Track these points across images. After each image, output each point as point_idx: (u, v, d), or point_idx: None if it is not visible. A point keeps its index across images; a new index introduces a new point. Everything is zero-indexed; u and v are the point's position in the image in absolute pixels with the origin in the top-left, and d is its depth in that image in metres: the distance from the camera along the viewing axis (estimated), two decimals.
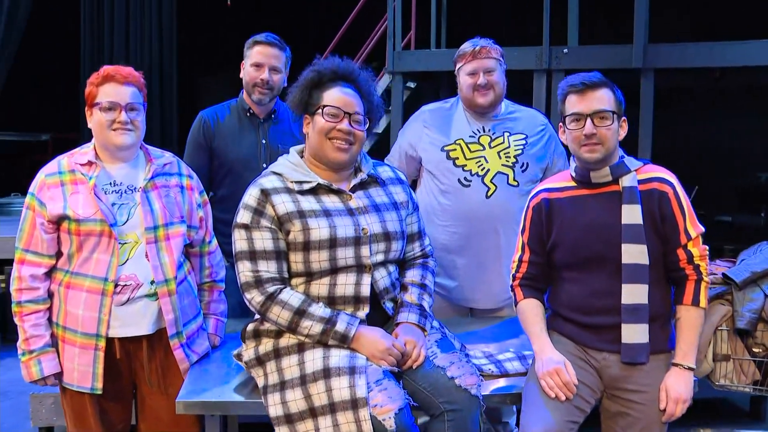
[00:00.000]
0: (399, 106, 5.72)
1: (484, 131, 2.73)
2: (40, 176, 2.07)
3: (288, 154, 2.06)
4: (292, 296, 1.88)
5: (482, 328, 2.63)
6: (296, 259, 1.90)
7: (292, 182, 1.94)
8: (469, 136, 2.72)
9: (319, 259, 1.88)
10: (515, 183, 2.68)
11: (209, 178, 2.78)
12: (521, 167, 2.70)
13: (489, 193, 2.66)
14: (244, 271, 1.90)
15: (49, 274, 2.06)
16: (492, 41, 2.73)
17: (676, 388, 1.91)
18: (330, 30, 6.64)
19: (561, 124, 2.06)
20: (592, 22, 5.75)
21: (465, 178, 2.67)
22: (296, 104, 2.00)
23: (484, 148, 2.70)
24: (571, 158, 2.10)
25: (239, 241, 1.91)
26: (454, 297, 2.81)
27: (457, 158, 2.69)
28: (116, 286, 2.01)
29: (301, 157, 2.03)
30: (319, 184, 1.94)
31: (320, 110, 1.94)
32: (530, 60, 5.05)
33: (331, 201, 1.94)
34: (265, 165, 2.73)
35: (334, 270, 1.90)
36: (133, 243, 2.05)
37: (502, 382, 2.09)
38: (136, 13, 7.23)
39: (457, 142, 2.71)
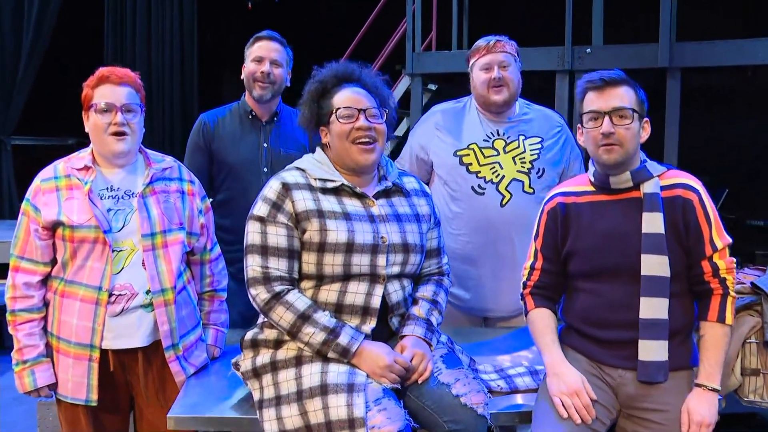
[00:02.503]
0: (418, 109, 5.62)
1: (498, 135, 2.63)
2: (36, 182, 2.02)
3: (301, 155, 2.00)
4: (299, 299, 1.80)
5: (495, 338, 2.53)
6: (309, 260, 1.83)
7: (315, 179, 1.88)
8: (483, 140, 2.61)
9: (333, 262, 1.81)
10: (531, 190, 2.57)
11: (209, 181, 2.71)
12: (537, 173, 2.59)
13: (504, 202, 2.56)
14: (253, 265, 1.83)
15: (45, 282, 2.01)
16: (507, 37, 2.63)
17: (700, 411, 1.78)
18: (350, 32, 6.57)
19: (579, 125, 1.95)
20: (616, 21, 5.58)
21: (479, 186, 2.57)
22: (308, 120, 1.96)
23: (499, 153, 2.59)
24: (590, 161, 1.99)
25: (252, 233, 1.84)
26: (467, 307, 2.71)
27: (471, 164, 2.58)
28: (110, 295, 1.95)
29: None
30: (343, 184, 1.88)
31: (333, 116, 1.88)
32: (552, 60, 4.92)
33: (352, 204, 1.87)
34: (266, 169, 2.68)
35: (346, 276, 1.83)
36: (129, 250, 1.99)
37: (511, 400, 1.98)
38: (158, 15, 7.27)
39: (470, 146, 2.61)
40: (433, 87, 6.18)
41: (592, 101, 1.88)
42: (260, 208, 1.85)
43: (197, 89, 7.40)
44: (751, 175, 6.62)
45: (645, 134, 1.92)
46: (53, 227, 1.96)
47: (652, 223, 1.83)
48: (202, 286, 2.23)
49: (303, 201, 1.83)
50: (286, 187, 1.84)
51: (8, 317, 2.00)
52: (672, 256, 1.83)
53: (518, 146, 2.61)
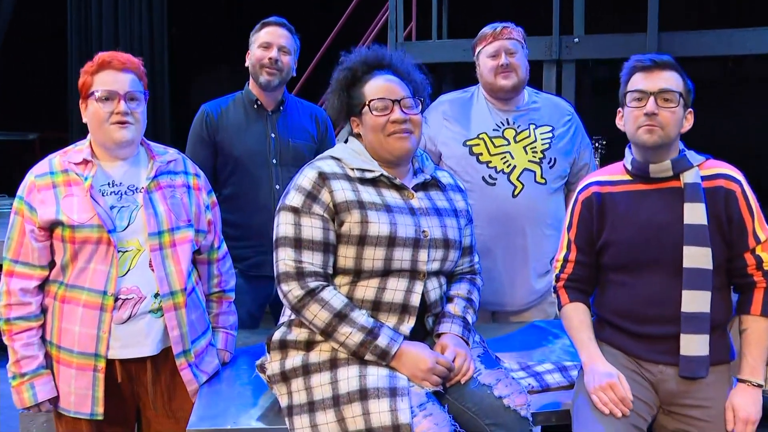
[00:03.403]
0: None
1: (508, 124, 2.55)
2: (30, 177, 1.85)
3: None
4: (335, 297, 1.68)
5: (508, 334, 2.45)
6: (347, 254, 1.71)
7: (352, 169, 1.76)
8: (493, 130, 2.53)
9: (374, 257, 1.69)
10: (543, 180, 2.50)
11: (213, 176, 2.55)
12: (549, 163, 2.52)
13: (516, 192, 2.48)
14: (285, 259, 1.69)
15: (42, 287, 1.85)
16: (513, 23, 2.55)
17: (745, 408, 1.72)
18: (328, 23, 6.43)
19: (620, 108, 1.87)
20: (600, 10, 5.55)
21: (490, 176, 2.49)
22: (337, 110, 1.84)
23: (509, 143, 2.52)
24: (627, 149, 1.91)
25: (284, 225, 1.71)
26: None
27: (481, 154, 2.50)
28: (116, 300, 1.80)
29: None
30: (382, 175, 1.77)
31: (366, 107, 1.77)
32: (539, 50, 4.84)
33: (392, 196, 1.77)
34: (275, 161, 2.54)
35: (386, 272, 1.72)
36: (135, 251, 1.83)
37: (543, 399, 1.90)
38: (125, 7, 7.00)
39: (480, 136, 2.52)
40: None
41: (639, 81, 1.81)
42: (294, 198, 1.72)
43: (168, 84, 7.16)
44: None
45: (687, 125, 1.85)
46: (51, 227, 1.80)
47: (695, 213, 1.76)
48: (210, 287, 2.09)
49: (342, 191, 1.71)
50: (323, 177, 1.72)
51: (2, 326, 1.82)
52: (713, 248, 1.77)
53: (529, 135, 2.54)
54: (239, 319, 2.24)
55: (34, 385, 1.81)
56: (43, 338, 1.85)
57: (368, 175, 1.76)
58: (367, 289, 1.72)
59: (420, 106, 1.81)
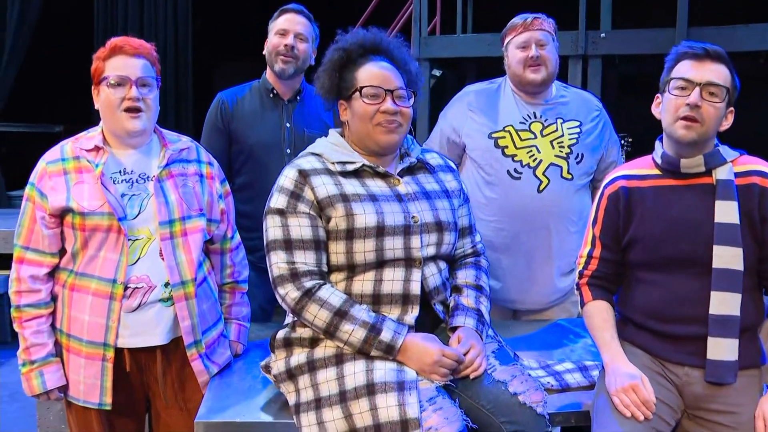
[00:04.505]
0: (425, 94, 5.45)
1: (535, 117, 2.47)
2: (41, 164, 1.83)
3: (326, 136, 1.84)
4: (333, 294, 1.64)
5: (530, 333, 2.38)
6: (338, 250, 1.67)
7: (333, 163, 1.72)
8: (520, 123, 2.46)
9: (365, 249, 1.65)
10: (569, 176, 2.41)
11: (228, 164, 2.52)
12: (576, 158, 2.43)
13: (541, 187, 2.40)
14: (278, 262, 1.66)
15: (52, 274, 1.83)
16: (545, 15, 2.47)
17: None
18: (352, 17, 6.40)
19: (659, 94, 1.79)
20: (628, 4, 5.43)
21: (515, 170, 2.41)
22: (327, 90, 1.77)
23: (536, 137, 2.44)
24: (657, 142, 1.83)
25: (272, 228, 1.68)
26: (496, 298, 2.54)
27: (507, 147, 2.42)
28: (126, 288, 1.77)
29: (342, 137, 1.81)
30: (364, 165, 1.72)
31: (357, 93, 1.71)
32: (565, 45, 4.74)
33: (377, 185, 1.72)
34: (289, 150, 2.50)
35: (380, 263, 1.67)
36: (145, 239, 1.80)
37: (563, 399, 1.84)
38: (150, 1, 7.04)
39: (506, 128, 2.45)
40: (437, 73, 6.02)
41: (687, 69, 1.71)
42: (278, 200, 1.68)
43: (192, 75, 7.18)
44: None
45: (726, 123, 1.77)
46: (61, 214, 1.78)
47: (726, 211, 1.68)
48: (222, 278, 2.06)
49: (324, 186, 1.67)
50: (303, 174, 1.68)
51: (13, 313, 1.81)
52: (745, 248, 1.68)
53: (556, 129, 2.46)
54: (252, 313, 2.20)
55: (43, 372, 1.79)
56: (53, 326, 1.83)
57: (349, 167, 1.71)
58: (364, 284, 1.67)
59: (413, 99, 1.75)
